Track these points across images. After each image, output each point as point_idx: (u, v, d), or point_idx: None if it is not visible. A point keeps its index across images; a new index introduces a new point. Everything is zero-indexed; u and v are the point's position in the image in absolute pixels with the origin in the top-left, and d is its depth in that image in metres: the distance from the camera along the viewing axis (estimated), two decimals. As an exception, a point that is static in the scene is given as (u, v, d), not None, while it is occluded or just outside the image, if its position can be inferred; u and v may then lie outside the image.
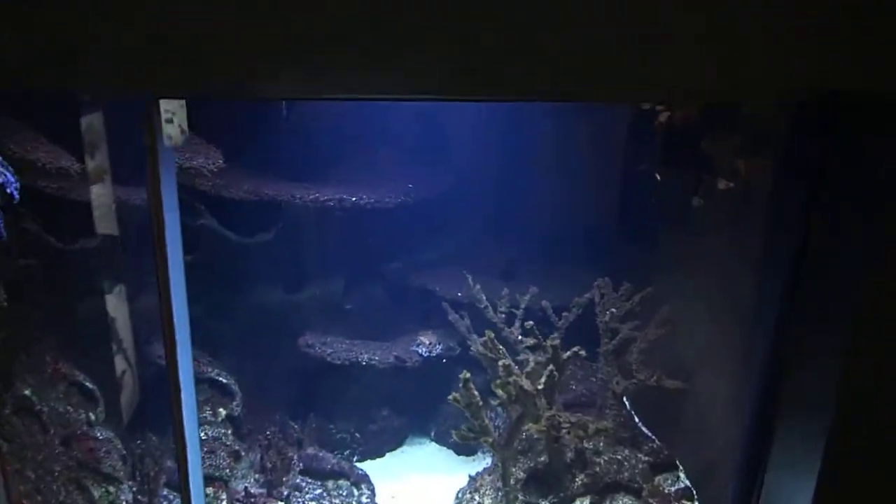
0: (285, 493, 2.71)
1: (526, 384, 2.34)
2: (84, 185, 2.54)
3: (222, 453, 2.57)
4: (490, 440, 2.49)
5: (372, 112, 3.44)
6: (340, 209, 3.09)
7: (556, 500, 2.60)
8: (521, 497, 2.62)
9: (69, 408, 2.57)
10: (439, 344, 3.16)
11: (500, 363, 2.35)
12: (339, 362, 3.09)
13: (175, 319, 1.56)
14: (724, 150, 2.32)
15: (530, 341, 2.42)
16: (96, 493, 2.27)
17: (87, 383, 2.75)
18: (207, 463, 2.51)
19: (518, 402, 2.44)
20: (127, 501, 2.32)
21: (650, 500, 2.64)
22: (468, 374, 2.35)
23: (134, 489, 2.42)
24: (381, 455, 3.45)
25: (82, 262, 2.74)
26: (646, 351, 2.62)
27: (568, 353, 2.38)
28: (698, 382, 2.84)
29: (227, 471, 2.55)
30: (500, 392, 2.40)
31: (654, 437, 3.01)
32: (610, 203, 3.39)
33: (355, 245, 3.56)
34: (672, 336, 2.83)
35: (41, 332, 2.68)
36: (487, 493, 2.78)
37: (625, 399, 3.22)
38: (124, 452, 2.56)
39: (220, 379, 2.93)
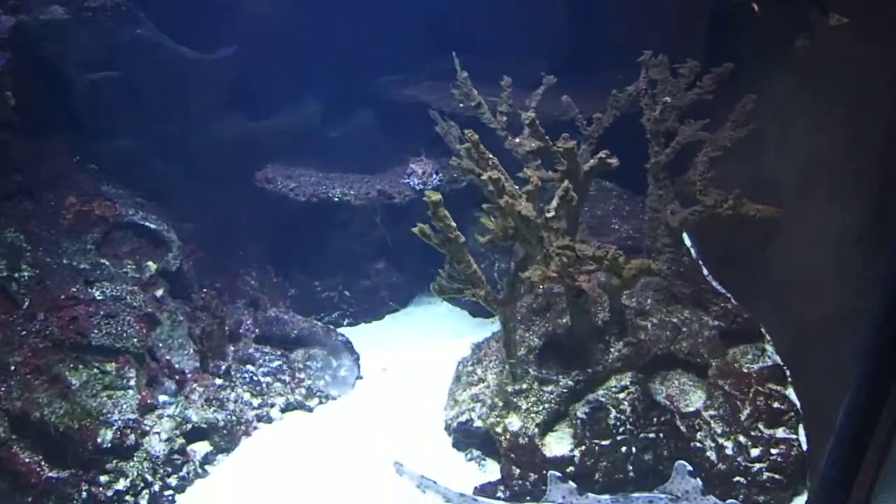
0: (223, 367, 2.07)
1: (525, 208, 1.52)
2: None
3: (128, 318, 1.90)
4: (482, 293, 1.72)
5: None
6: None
7: (581, 378, 1.84)
8: (532, 371, 1.88)
9: (103, 261, 2.04)
10: (436, 174, 2.36)
11: (485, 176, 1.52)
12: (304, 199, 2.35)
13: None
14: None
15: (531, 143, 1.55)
16: (77, 379, 1.75)
17: (149, 223, 2.24)
18: (104, 331, 1.85)
19: (519, 239, 1.64)
20: (144, 377, 1.78)
21: (720, 382, 1.85)
22: (437, 196, 1.55)
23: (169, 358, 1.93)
24: (380, 317, 2.75)
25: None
26: (716, 163, 1.71)
27: (591, 161, 1.53)
28: (797, 216, 1.94)
29: (136, 340, 1.89)
30: (487, 223, 1.61)
31: (728, 294, 2.17)
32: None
33: (335, 52, 2.72)
34: (759, 151, 1.92)
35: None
36: (492, 366, 2.05)
37: (688, 242, 2.37)
38: (149, 311, 1.99)
39: (148, 224, 2.24)
